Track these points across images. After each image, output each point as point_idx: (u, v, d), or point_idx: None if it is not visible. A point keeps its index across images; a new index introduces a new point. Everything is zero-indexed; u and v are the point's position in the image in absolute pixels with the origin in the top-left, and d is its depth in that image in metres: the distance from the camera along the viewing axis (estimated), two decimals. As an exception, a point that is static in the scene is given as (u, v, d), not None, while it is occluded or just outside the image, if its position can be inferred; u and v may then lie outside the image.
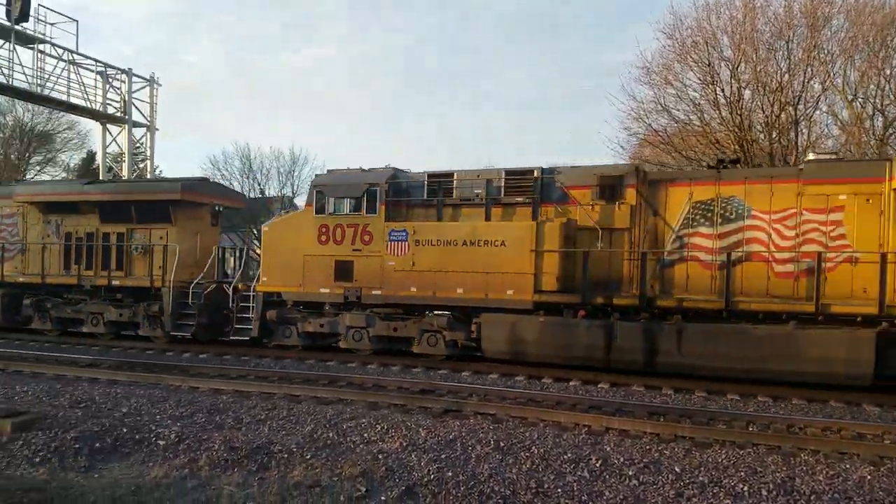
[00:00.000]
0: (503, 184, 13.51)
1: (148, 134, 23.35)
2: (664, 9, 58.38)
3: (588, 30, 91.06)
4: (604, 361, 12.04)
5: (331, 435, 8.17)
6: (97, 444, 7.83)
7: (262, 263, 15.21)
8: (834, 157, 12.87)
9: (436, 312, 13.64)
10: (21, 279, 17.34)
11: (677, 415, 9.45)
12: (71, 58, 21.00)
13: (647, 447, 7.87)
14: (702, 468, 7.11)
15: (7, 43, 19.16)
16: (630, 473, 6.91)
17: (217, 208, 17.33)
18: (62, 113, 43.40)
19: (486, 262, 12.76)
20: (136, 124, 22.84)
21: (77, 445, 7.76)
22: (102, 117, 22.40)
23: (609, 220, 12.79)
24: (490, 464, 7.15)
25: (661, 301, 12.02)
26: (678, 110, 24.46)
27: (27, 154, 50.93)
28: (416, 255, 13.32)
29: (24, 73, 19.83)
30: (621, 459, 7.32)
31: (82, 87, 21.31)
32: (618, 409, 9.66)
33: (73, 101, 21.33)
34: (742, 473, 6.97)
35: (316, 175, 19.78)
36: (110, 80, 22.21)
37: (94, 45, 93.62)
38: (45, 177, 49.71)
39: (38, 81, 20.35)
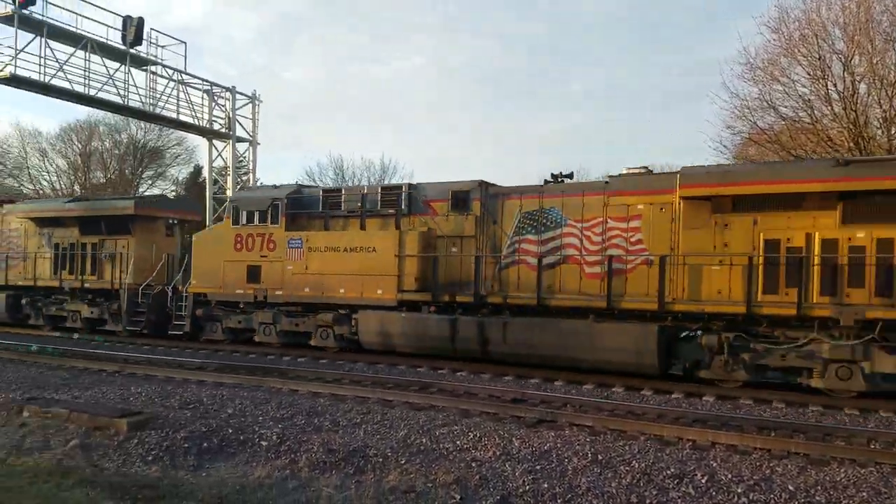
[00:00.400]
0: (378, 198, 15.50)
1: (250, 148, 24.48)
2: (769, 3, 55.50)
3: (679, 27, 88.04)
4: (451, 350, 13.96)
5: (424, 441, 8.18)
6: (205, 444, 8.18)
7: (192, 268, 17.34)
8: (643, 170, 13.85)
9: (326, 310, 15.62)
10: (20, 283, 20.73)
11: (790, 430, 8.87)
12: (180, 78, 22.35)
13: (758, 463, 7.41)
14: (818, 487, 6.61)
15: (123, 66, 20.60)
16: (739, 491, 6.52)
17: (171, 221, 20.23)
18: (172, 130, 46.42)
19: (361, 266, 14.83)
20: (240, 139, 24.01)
21: (186, 445, 8.14)
22: (209, 133, 23.68)
23: (460, 228, 14.70)
24: (588, 477, 6.93)
25: (492, 298, 13.85)
26: (786, 107, 23.21)
27: (140, 169, 54.64)
28: (309, 260, 15.51)
29: (138, 94, 21.29)
30: (729, 476, 6.92)
31: (190, 106, 22.64)
32: (724, 423, 9.15)
33: (182, 118, 22.67)
34: (864, 494, 6.44)
35: (239, 189, 22.89)
36: (216, 98, 23.47)
37: (199, 64, 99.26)
38: (155, 190, 53.20)
39: (151, 101, 21.76)
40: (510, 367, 13.35)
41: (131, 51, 20.58)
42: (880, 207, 11.05)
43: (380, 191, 15.76)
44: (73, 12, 19.32)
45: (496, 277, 14.39)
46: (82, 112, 59.05)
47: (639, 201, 13.02)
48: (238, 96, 23.90)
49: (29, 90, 19.66)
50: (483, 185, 14.76)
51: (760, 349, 11.38)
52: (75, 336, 19.00)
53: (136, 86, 21.16)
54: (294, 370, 13.51)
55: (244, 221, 16.39)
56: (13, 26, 17.86)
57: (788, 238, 11.71)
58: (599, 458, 7.51)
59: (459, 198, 14.70)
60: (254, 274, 16.20)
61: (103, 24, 20.28)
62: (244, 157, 24.80)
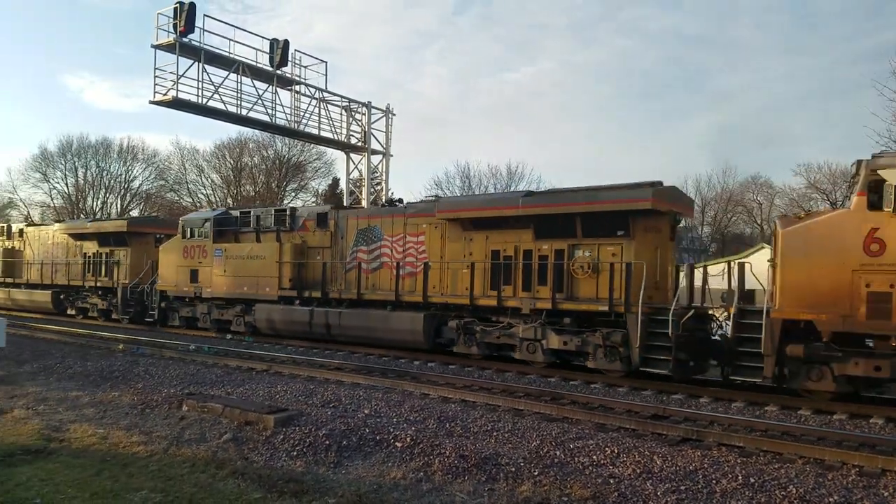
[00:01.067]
0: (272, 218, 19.97)
1: (384, 160, 25.35)
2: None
3: (838, 16, 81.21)
4: (309, 334, 18.53)
5: (557, 453, 7.97)
6: (344, 442, 8.45)
7: (158, 271, 22.81)
8: (432, 198, 19.87)
9: (238, 303, 20.48)
10: (61, 282, 27.75)
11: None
12: (321, 96, 23.57)
13: (941, 499, 6.54)
14: None
15: (271, 86, 22.04)
16: (920, 529, 5.77)
17: (158, 236, 25.36)
18: (313, 145, 49.14)
19: (257, 270, 19.68)
20: (374, 151, 24.94)
21: (327, 442, 8.45)
22: (346, 147, 24.79)
23: (323, 241, 19.12)
24: (738, 500, 6.44)
25: (332, 294, 18.27)
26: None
27: (284, 182, 58.24)
28: (227, 266, 20.44)
29: (284, 112, 22.70)
30: (906, 510, 6.16)
31: (330, 121, 23.82)
32: (896, 450, 8.19)
33: (323, 133, 23.90)
34: None
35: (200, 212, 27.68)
36: (353, 113, 24.54)
37: (337, 81, 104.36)
38: (298, 202, 56.45)
39: (295, 119, 23.10)
40: (649, 381, 12.78)
41: (277, 72, 21.96)
42: (556, 227, 14.60)
43: (273, 212, 20.21)
44: (227, 38, 20.94)
45: (343, 278, 18.48)
46: (234, 130, 63.99)
47: (424, 221, 16.97)
48: (373, 111, 24.84)
49: (189, 112, 21.52)
50: (335, 208, 19.97)
51: (480, 330, 15.41)
52: (228, 336, 20.48)
53: (282, 105, 22.60)
54: (425, 374, 13.72)
55: (188, 236, 21.46)
56: (175, 53, 19.61)
57: (504, 249, 15.51)
58: (752, 480, 6.94)
59: (321, 218, 19.15)
60: (194, 276, 21.19)
61: (253, 47, 21.85)
62: (377, 169, 25.69)
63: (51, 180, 62.25)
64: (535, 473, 7.31)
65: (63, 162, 61.75)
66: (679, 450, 8.18)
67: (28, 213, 62.65)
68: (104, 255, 25.74)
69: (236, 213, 21.53)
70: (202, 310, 21.54)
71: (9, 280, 29.98)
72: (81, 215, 54.55)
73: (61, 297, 27.33)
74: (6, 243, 30.60)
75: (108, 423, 9.92)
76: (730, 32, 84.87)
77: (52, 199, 62.85)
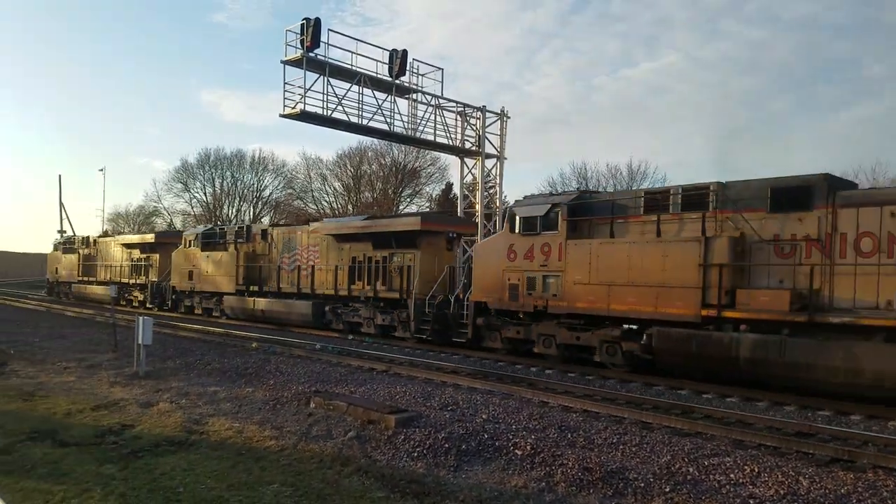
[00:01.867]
0: (234, 233, 28.59)
1: (498, 163, 25.29)
2: None
3: None
4: (252, 316, 26.23)
5: (690, 470, 7.51)
6: (463, 446, 8.42)
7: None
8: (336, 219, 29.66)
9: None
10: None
11: None
12: (437, 102, 23.89)
13: None
14: None
15: (390, 96, 22.60)
16: None
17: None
18: (427, 151, 49.98)
19: (225, 271, 28.38)
20: (488, 155, 24.93)
21: (447, 445, 8.45)
22: (461, 152, 24.94)
23: (265, 250, 26.70)
24: (902, 532, 5.77)
25: (265, 288, 25.99)
26: None
27: (400, 188, 59.67)
28: (209, 266, 29.02)
29: (401, 120, 23.18)
30: None
31: (445, 127, 24.07)
32: None
33: (439, 139, 24.18)
34: None
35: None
36: (467, 117, 24.69)
37: (452, 86, 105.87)
38: (413, 207, 57.68)
39: (412, 126, 23.56)
40: (791, 395, 11.80)
41: (396, 81, 22.48)
42: (383, 241, 21.64)
43: (234, 229, 28.59)
44: (350, 51, 21.66)
45: (276, 277, 25.50)
46: (354, 140, 66.42)
47: (320, 236, 24.18)
48: (488, 114, 24.87)
49: (314, 124, 22.44)
50: (273, 226, 28.50)
51: (343, 313, 22.73)
52: (350, 337, 21.18)
53: (399, 113, 23.07)
54: (543, 381, 13.47)
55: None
56: (302, 68, 20.53)
57: (357, 256, 22.51)
58: (916, 511, 6.23)
59: (263, 233, 27.45)
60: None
61: (373, 59, 22.44)
62: (491, 173, 25.66)
63: (191, 190, 67.51)
64: (667, 490, 6.93)
65: (202, 173, 66.89)
66: (828, 471, 7.48)
67: (171, 220, 68.18)
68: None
69: (216, 229, 29.80)
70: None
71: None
72: (218, 222, 58.50)
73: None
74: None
75: (243, 418, 10.48)
76: (880, 17, 77.87)
77: (192, 208, 68.09)
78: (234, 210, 66.10)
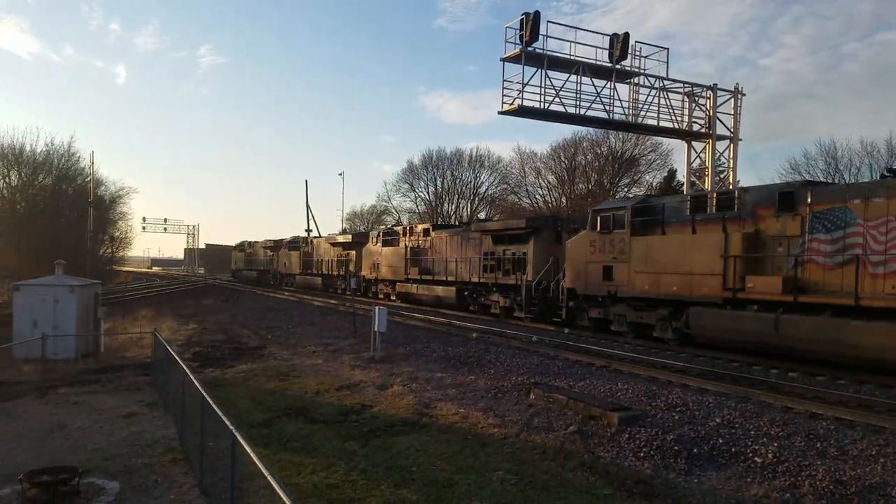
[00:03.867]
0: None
1: (731, 145, 23.40)
2: None
3: None
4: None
5: (982, 497, 6.29)
6: (694, 450, 7.91)
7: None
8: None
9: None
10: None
11: None
12: (661, 84, 22.73)
13: None
14: None
15: (609, 82, 21.98)
16: None
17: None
18: (647, 137, 47.78)
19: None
20: (719, 137, 23.16)
21: (676, 448, 8.00)
22: (687, 135, 23.49)
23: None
24: None
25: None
26: None
27: (617, 178, 57.83)
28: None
29: (621, 107, 22.43)
30: None
31: (670, 110, 22.82)
32: None
33: (662, 124, 23.02)
34: None
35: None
36: (696, 98, 23.17)
37: (675, 67, 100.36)
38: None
39: (633, 112, 22.67)
40: None
41: (617, 67, 21.81)
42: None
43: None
44: (567, 41, 21.46)
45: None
46: (568, 131, 65.93)
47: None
48: (719, 93, 23.12)
49: (532, 118, 22.64)
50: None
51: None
52: (566, 330, 21.05)
53: (619, 99, 22.37)
54: (786, 385, 12.18)
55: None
56: (521, 63, 20.78)
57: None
58: None
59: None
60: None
61: (591, 46, 22.05)
62: (722, 156, 23.80)
63: (416, 189, 72.05)
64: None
65: (425, 173, 71.01)
66: None
67: (398, 217, 73.33)
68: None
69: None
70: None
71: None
72: (439, 219, 61.72)
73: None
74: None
75: (467, 404, 10.90)
76: None
77: (416, 206, 72.60)
78: (452, 207, 69.18)
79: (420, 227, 32.60)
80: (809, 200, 14.33)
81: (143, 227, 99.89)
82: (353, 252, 40.08)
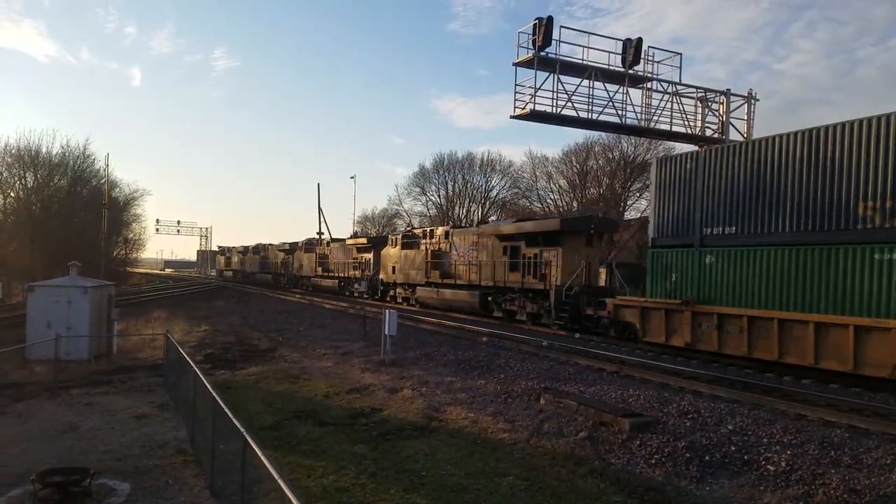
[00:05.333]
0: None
1: (743, 151, 23.21)
2: None
3: None
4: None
5: None
6: (706, 457, 7.85)
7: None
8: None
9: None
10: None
11: None
12: (674, 89, 22.63)
13: None
14: None
15: (622, 87, 21.90)
16: None
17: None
18: (660, 142, 47.57)
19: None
20: (732, 142, 22.99)
21: (688, 455, 7.94)
22: (701, 140, 23.32)
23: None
24: None
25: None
26: None
27: (629, 183, 57.59)
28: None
29: (634, 112, 22.33)
30: None
31: (683, 115, 22.70)
32: None
33: (675, 129, 22.89)
34: None
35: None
36: (709, 103, 23.05)
37: (688, 72, 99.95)
38: (642, 203, 55.29)
39: (645, 116, 22.57)
40: None
41: (629, 72, 21.73)
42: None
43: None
44: (580, 45, 21.43)
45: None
46: (580, 135, 65.77)
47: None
48: (732, 98, 22.98)
49: (544, 122, 22.58)
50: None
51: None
52: (576, 335, 20.96)
53: (632, 104, 22.26)
54: (800, 392, 12.07)
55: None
56: (533, 68, 20.75)
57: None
58: None
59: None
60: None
61: (605, 51, 21.92)
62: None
63: (427, 193, 72.10)
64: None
65: (436, 177, 71.08)
66: None
67: (409, 221, 73.41)
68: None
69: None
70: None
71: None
72: (450, 223, 61.72)
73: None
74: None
75: (477, 409, 10.87)
76: None
77: (427, 210, 72.62)
78: (464, 210, 69.17)
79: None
80: (449, 229, 29.89)
81: (157, 229, 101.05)
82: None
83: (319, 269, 49.85)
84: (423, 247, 32.53)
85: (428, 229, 33.53)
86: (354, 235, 55.82)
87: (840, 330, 13.00)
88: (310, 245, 54.02)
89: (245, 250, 74.34)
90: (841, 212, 13.91)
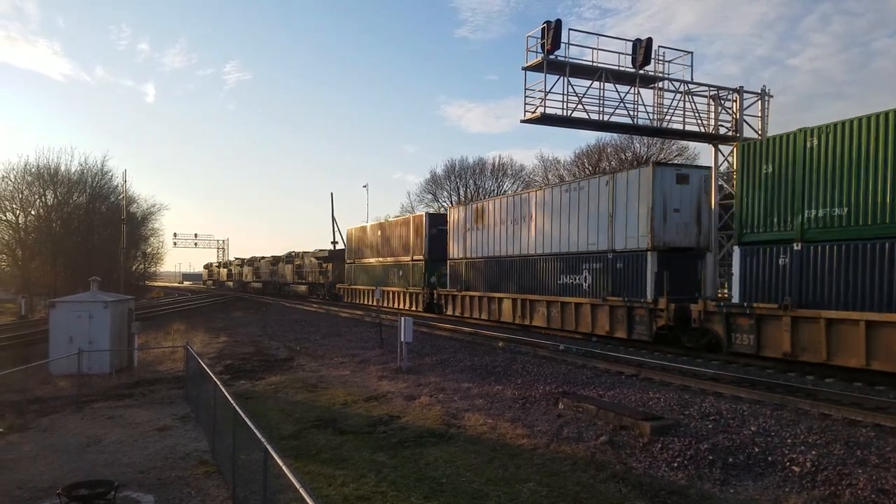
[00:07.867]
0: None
1: (757, 149, 22.99)
2: None
3: None
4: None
5: None
6: (730, 459, 7.77)
7: None
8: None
9: None
10: None
11: None
12: (686, 88, 22.46)
13: None
14: None
15: (633, 87, 21.78)
16: None
17: None
18: (673, 142, 47.28)
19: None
20: (746, 139, 22.79)
21: (710, 457, 7.86)
22: (714, 139, 23.13)
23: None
24: None
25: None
26: None
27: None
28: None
29: (646, 112, 22.18)
30: None
31: (695, 114, 22.51)
32: None
33: (688, 128, 22.70)
34: None
35: None
36: (721, 101, 22.85)
37: (700, 70, 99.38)
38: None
39: (657, 116, 22.42)
40: None
41: (640, 72, 21.61)
42: None
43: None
44: (590, 47, 21.38)
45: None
46: (591, 137, 65.59)
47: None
48: (746, 95, 22.78)
49: (555, 125, 22.49)
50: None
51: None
52: (593, 339, 20.84)
53: (644, 104, 22.11)
54: (823, 391, 11.90)
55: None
56: (543, 72, 20.70)
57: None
58: None
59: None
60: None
61: (614, 52, 21.82)
62: (751, 160, 23.40)
63: (439, 199, 72.25)
64: None
65: (448, 183, 71.32)
66: None
67: (422, 227, 73.82)
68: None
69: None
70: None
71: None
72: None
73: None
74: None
75: (495, 415, 10.84)
76: None
77: (440, 215, 72.91)
78: (478, 215, 69.20)
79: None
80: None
81: (174, 243, 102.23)
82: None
83: (296, 276, 61.22)
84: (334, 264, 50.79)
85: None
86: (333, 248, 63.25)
87: None
88: (289, 258, 65.58)
89: (242, 262, 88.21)
90: None
